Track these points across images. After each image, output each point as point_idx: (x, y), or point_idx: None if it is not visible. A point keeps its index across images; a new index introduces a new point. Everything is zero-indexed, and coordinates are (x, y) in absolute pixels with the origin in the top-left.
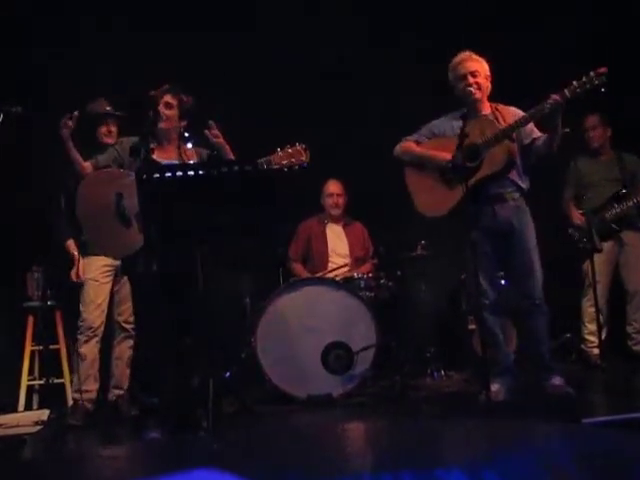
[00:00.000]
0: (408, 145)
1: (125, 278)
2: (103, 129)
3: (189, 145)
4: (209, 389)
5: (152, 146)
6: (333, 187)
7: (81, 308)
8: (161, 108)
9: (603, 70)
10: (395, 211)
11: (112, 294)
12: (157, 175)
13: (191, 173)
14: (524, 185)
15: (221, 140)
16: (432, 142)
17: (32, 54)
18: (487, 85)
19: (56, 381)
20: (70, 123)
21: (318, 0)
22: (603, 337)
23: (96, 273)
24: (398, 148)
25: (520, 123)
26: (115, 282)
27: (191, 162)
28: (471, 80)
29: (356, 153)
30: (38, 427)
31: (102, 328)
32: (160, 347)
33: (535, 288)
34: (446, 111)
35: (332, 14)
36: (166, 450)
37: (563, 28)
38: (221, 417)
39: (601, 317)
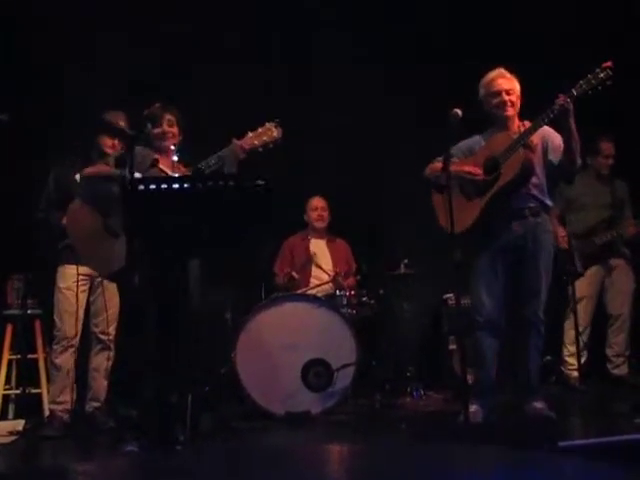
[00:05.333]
0: (435, 165)
1: (100, 289)
2: (108, 141)
3: (175, 158)
4: (187, 403)
5: (156, 156)
6: (317, 202)
7: (55, 318)
8: (165, 127)
9: (607, 64)
10: (378, 230)
11: (88, 305)
12: (142, 187)
13: (176, 186)
14: (548, 202)
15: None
16: (461, 160)
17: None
18: (518, 104)
19: (33, 391)
20: None
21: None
22: (583, 360)
23: (70, 282)
24: (427, 169)
25: (531, 129)
26: (91, 292)
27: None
28: (505, 97)
29: (340, 171)
30: (13, 437)
31: (78, 338)
32: (140, 360)
33: (537, 311)
34: (429, 127)
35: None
36: (141, 464)
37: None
38: (199, 432)
39: (582, 340)
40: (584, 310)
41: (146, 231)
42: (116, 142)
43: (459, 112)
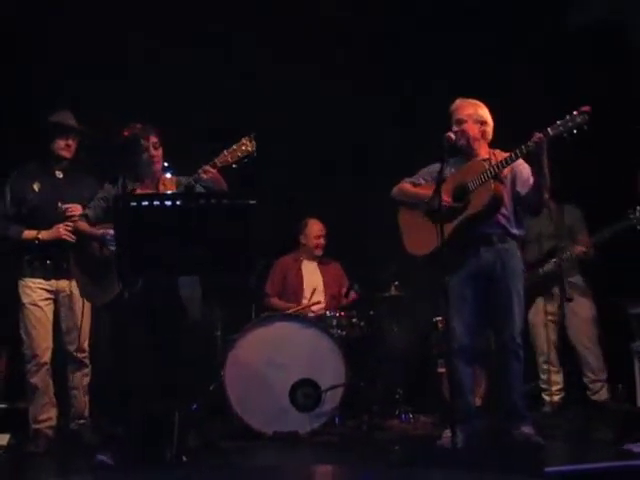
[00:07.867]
0: (404, 186)
1: (69, 305)
2: (61, 142)
3: (168, 175)
4: (174, 421)
5: (134, 186)
6: (318, 228)
7: (23, 336)
8: (151, 150)
9: (586, 109)
10: (369, 251)
11: (59, 322)
12: (134, 203)
13: (168, 203)
14: (515, 231)
15: (213, 175)
16: (428, 183)
17: None
18: (481, 130)
19: (20, 405)
20: None
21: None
22: (555, 388)
23: (34, 297)
24: (395, 189)
25: (504, 162)
26: (58, 308)
27: (169, 192)
28: (455, 128)
29: (331, 193)
30: None
31: (49, 354)
32: (126, 377)
33: (513, 335)
34: (419, 149)
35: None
36: None
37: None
38: (185, 450)
39: (553, 368)
40: (538, 338)
41: (133, 248)
42: (70, 141)
43: (452, 136)
